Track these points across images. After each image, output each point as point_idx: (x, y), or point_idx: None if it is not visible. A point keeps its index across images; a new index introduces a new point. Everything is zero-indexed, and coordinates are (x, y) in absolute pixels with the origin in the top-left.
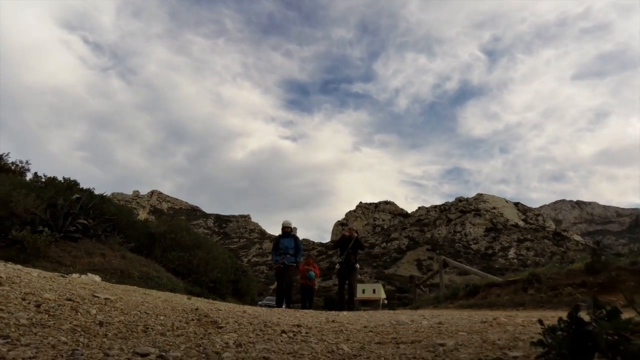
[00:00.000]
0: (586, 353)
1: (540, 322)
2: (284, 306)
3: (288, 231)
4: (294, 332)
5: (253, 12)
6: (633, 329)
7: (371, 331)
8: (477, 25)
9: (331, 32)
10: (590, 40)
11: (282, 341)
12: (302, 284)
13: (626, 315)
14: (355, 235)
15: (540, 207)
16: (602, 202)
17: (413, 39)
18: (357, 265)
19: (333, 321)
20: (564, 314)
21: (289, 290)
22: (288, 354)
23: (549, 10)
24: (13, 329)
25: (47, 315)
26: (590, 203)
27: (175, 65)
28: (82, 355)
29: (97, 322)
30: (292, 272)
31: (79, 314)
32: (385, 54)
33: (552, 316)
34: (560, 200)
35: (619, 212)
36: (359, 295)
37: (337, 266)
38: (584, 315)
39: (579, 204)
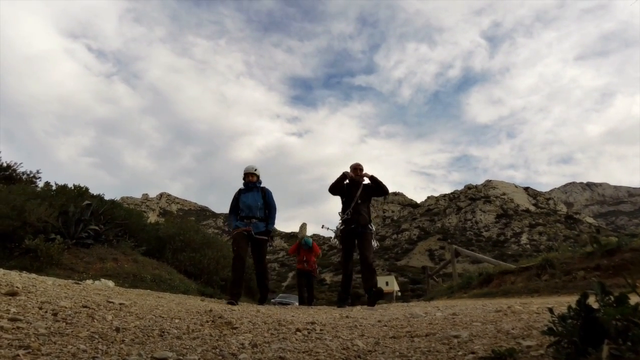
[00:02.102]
0: (596, 340)
1: (551, 310)
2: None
3: (253, 181)
4: (308, 329)
5: (252, 10)
6: None
7: (385, 325)
8: (476, 12)
9: (331, 27)
10: (591, 20)
11: (296, 339)
12: (298, 270)
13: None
14: (364, 178)
15: (551, 190)
16: (612, 182)
17: (413, 29)
18: (372, 227)
19: (347, 317)
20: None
21: (264, 278)
22: (304, 352)
23: None
24: (33, 339)
25: (64, 324)
26: (600, 184)
27: (178, 68)
28: None
29: (114, 328)
30: (263, 250)
31: (95, 320)
32: (386, 46)
33: (567, 302)
34: (570, 183)
35: (630, 192)
36: None
37: (338, 226)
38: (593, 302)
39: (590, 185)
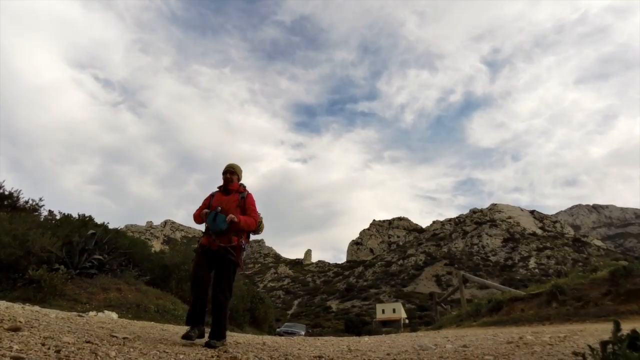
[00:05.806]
0: None
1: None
2: None
3: None
4: None
5: (257, 40)
6: None
7: (394, 359)
8: (476, 38)
9: (334, 55)
10: (589, 44)
11: None
12: (200, 247)
13: None
14: None
15: (557, 213)
16: (619, 204)
17: (414, 56)
18: None
19: (355, 349)
20: (591, 327)
21: None
22: None
23: (545, 19)
24: None
25: None
26: (607, 206)
27: (183, 96)
28: None
29: None
30: None
31: (98, 357)
32: (387, 72)
33: (580, 330)
34: (576, 205)
35: (637, 214)
36: (379, 315)
37: None
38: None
39: (596, 207)
